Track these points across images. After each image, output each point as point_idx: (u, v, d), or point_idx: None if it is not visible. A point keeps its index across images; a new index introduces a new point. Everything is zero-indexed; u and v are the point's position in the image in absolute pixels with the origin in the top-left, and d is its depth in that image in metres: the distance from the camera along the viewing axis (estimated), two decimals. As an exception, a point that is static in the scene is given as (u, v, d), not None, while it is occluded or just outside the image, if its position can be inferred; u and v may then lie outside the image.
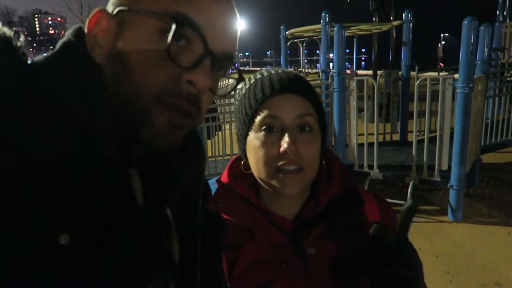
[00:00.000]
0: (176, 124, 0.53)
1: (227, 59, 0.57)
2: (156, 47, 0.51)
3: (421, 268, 0.75)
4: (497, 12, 7.76)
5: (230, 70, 0.63)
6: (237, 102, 0.85)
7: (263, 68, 0.90)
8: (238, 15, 0.59)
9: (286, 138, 0.75)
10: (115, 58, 0.53)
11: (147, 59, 0.51)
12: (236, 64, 0.63)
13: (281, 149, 0.75)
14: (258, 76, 0.84)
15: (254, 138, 0.79)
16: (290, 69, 0.88)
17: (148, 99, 0.51)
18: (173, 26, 0.50)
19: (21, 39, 0.51)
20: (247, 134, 0.81)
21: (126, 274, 0.49)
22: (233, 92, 0.78)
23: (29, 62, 0.52)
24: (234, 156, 0.91)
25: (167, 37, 0.50)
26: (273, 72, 0.84)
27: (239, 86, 0.68)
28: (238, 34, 0.59)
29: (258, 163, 0.79)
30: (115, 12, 0.54)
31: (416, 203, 0.75)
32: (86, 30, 0.55)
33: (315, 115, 0.80)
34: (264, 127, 0.78)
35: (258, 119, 0.78)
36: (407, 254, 0.72)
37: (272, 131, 0.78)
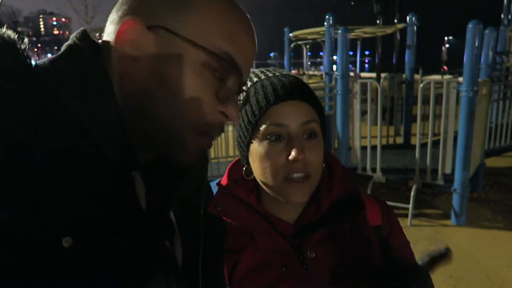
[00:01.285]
0: (204, 148, 0.58)
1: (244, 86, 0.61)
2: (203, 80, 0.53)
3: None
4: (502, 16, 7.73)
5: None
6: None
7: (255, 70, 0.88)
8: None
9: (294, 147, 0.74)
10: (157, 79, 0.53)
11: (193, 91, 0.53)
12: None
13: (290, 157, 0.74)
14: (255, 79, 0.83)
15: (259, 146, 0.78)
16: (288, 71, 0.86)
17: (187, 128, 0.54)
18: (222, 66, 0.54)
19: (25, 42, 0.52)
20: (250, 142, 0.80)
21: (127, 276, 0.49)
22: None
23: (33, 63, 0.52)
24: (234, 160, 0.90)
25: (211, 71, 0.53)
26: (270, 74, 0.82)
27: None
28: None
29: (265, 172, 0.78)
30: (153, 25, 0.53)
31: (448, 253, 0.73)
32: (115, 37, 0.54)
33: (318, 120, 0.80)
34: (269, 136, 0.77)
35: (263, 127, 0.77)
36: None
37: (278, 139, 0.77)
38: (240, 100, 0.67)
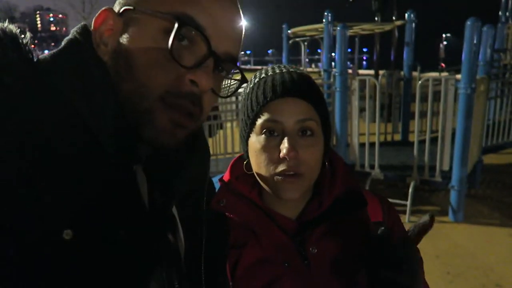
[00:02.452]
0: (178, 123, 0.54)
1: (230, 61, 0.57)
2: (159, 47, 0.51)
3: (420, 279, 0.75)
4: (500, 13, 7.74)
5: (233, 71, 0.63)
6: (241, 101, 0.85)
7: (269, 66, 0.88)
8: (242, 18, 0.59)
9: (285, 144, 0.75)
10: (120, 56, 0.53)
11: (151, 59, 0.52)
12: (238, 63, 0.63)
13: (281, 154, 0.75)
14: (263, 75, 0.83)
15: (255, 141, 0.79)
16: (298, 69, 0.86)
17: (152, 99, 0.52)
18: (176, 26, 0.50)
19: (26, 36, 0.52)
20: (249, 136, 0.81)
21: (127, 270, 0.49)
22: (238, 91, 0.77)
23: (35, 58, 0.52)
24: (236, 156, 0.91)
25: (172, 37, 0.51)
26: (277, 71, 0.82)
27: (244, 85, 0.68)
28: (243, 36, 0.60)
29: (259, 166, 0.79)
30: (121, 11, 0.54)
31: (433, 220, 0.75)
32: (92, 28, 0.55)
33: (317, 119, 0.79)
34: (264, 131, 0.78)
35: (259, 122, 0.78)
36: (408, 262, 0.72)
37: (273, 135, 0.77)
38: (232, 78, 0.66)
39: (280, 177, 0.76)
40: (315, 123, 0.79)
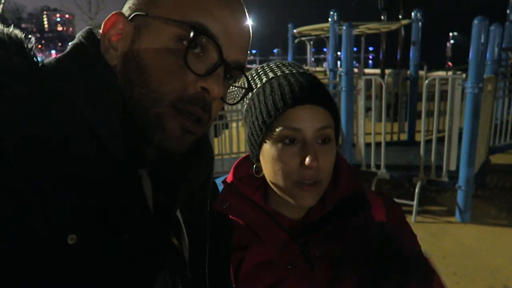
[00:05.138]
0: (188, 129, 0.54)
1: (238, 69, 0.58)
2: (172, 54, 0.52)
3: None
4: (508, 11, 7.66)
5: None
6: (248, 102, 0.82)
7: (271, 62, 0.86)
8: (250, 25, 0.60)
9: (309, 154, 0.73)
10: (130, 61, 0.54)
11: (163, 65, 0.52)
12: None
13: (305, 163, 0.73)
14: (271, 74, 0.81)
15: (271, 148, 0.77)
16: (304, 69, 0.84)
17: (163, 105, 0.52)
18: (191, 34, 0.51)
19: (31, 41, 0.52)
20: (263, 142, 0.78)
21: (131, 274, 0.49)
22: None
23: (40, 62, 0.52)
24: (240, 158, 0.90)
25: (183, 44, 0.52)
26: (287, 72, 0.80)
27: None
28: (250, 43, 0.60)
29: (277, 174, 0.77)
30: (131, 16, 0.55)
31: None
32: (101, 32, 0.56)
33: (333, 125, 0.79)
34: (283, 139, 0.76)
35: (278, 130, 0.76)
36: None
37: (292, 143, 0.76)
38: (238, 86, 0.66)
39: (299, 186, 0.76)
40: (332, 130, 0.78)
